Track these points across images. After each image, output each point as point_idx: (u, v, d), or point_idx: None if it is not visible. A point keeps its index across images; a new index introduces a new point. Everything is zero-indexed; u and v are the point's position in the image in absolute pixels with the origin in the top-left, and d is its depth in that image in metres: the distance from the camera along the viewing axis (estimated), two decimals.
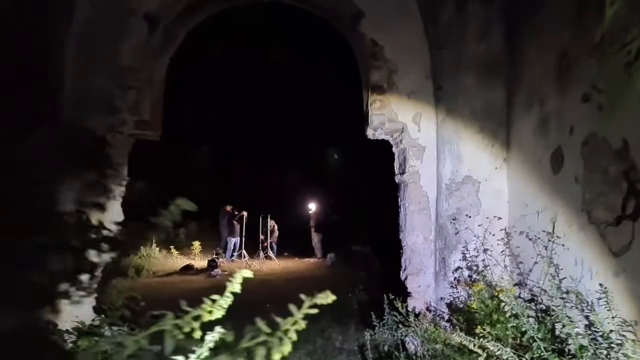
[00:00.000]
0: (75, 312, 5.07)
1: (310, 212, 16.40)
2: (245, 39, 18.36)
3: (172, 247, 15.54)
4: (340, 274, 12.71)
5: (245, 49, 19.64)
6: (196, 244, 15.75)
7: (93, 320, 5.02)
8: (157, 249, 15.21)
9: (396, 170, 5.58)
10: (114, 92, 5.24)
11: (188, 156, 23.04)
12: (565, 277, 3.35)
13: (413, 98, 5.21)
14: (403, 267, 5.33)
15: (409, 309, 5.00)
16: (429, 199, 5.16)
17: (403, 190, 5.36)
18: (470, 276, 4.48)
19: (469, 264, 4.59)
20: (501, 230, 4.68)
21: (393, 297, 4.96)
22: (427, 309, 4.95)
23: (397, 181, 5.56)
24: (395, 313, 4.86)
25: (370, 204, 16.44)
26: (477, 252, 4.58)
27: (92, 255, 2.65)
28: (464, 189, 4.85)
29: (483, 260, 4.46)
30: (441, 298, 4.83)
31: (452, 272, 4.75)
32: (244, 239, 14.86)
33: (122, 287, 4.79)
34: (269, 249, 15.31)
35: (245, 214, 14.75)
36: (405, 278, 5.22)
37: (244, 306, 6.83)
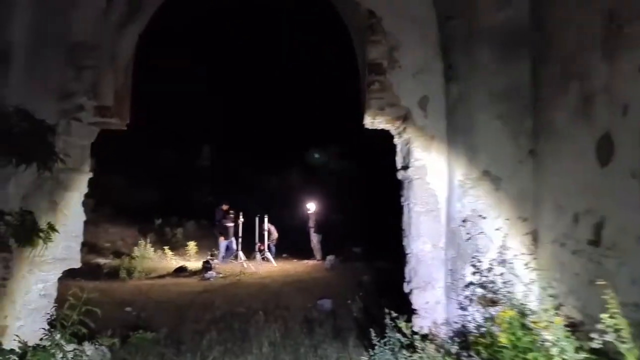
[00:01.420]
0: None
1: (309, 212, 15.45)
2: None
3: (166, 247, 14.65)
4: (339, 277, 11.77)
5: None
6: (191, 245, 14.85)
7: (41, 339, 4.15)
8: (152, 249, 14.33)
9: (398, 165, 4.65)
10: (67, 72, 4.34)
11: (187, 155, 22.29)
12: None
13: (419, 78, 4.29)
14: (407, 279, 4.40)
15: (415, 329, 4.08)
16: (438, 198, 4.22)
17: (407, 189, 4.43)
18: (485, 295, 3.54)
19: (484, 279, 3.65)
20: (525, 234, 3.76)
21: (396, 315, 4.04)
22: (436, 330, 4.01)
23: (399, 178, 4.62)
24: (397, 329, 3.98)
25: (372, 204, 15.53)
26: (496, 264, 3.66)
27: None
28: (481, 187, 3.92)
29: (502, 274, 3.52)
30: (453, 319, 3.89)
31: (466, 287, 3.82)
32: (240, 239, 13.93)
33: (86, 291, 3.84)
34: (267, 250, 14.39)
35: (239, 216, 13.85)
36: (410, 292, 4.28)
37: (235, 315, 5.89)
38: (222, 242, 13.62)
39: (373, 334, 4.56)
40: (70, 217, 4.61)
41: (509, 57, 3.90)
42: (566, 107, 3.44)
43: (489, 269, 3.67)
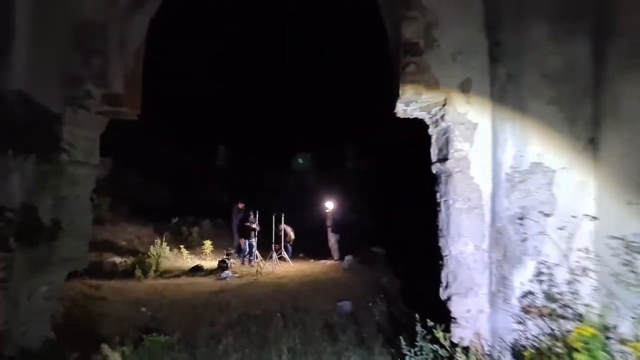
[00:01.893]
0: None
1: (326, 211, 14.95)
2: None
3: (182, 246, 14.30)
4: (358, 278, 11.27)
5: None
6: (207, 244, 14.47)
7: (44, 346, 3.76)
8: (168, 248, 14.01)
9: (434, 158, 4.15)
10: (73, 56, 3.94)
11: (203, 155, 22.02)
12: None
13: (460, 59, 3.77)
14: (444, 284, 3.90)
15: (454, 339, 3.59)
16: (482, 194, 3.70)
17: (445, 183, 3.92)
18: (543, 306, 3.03)
19: (542, 285, 3.14)
20: (585, 234, 3.24)
21: (432, 324, 3.56)
22: (479, 342, 3.52)
23: (434, 171, 4.13)
24: (431, 339, 3.51)
25: (391, 202, 15.01)
26: (553, 268, 3.15)
27: None
28: (532, 181, 3.40)
29: (569, 283, 3.01)
30: (500, 330, 3.39)
31: (517, 294, 3.31)
32: (256, 238, 13.50)
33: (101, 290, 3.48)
34: (284, 250, 13.94)
35: (257, 227, 13.40)
36: (448, 298, 3.78)
37: (252, 317, 5.46)
38: (243, 243, 13.20)
39: (403, 343, 4.13)
40: (77, 214, 4.22)
41: (566, 33, 3.37)
42: (636, 88, 2.92)
43: (543, 274, 3.17)
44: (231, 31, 19.24)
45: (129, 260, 12.64)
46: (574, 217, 3.12)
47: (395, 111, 4.14)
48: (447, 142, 3.86)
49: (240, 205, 13.34)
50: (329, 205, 14.89)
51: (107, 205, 17.24)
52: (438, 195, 4.08)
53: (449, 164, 3.81)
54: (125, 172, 19.68)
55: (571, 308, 2.76)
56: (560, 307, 2.82)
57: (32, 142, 3.66)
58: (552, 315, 2.78)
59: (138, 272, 11.30)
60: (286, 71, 20.45)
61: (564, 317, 2.75)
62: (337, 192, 16.00)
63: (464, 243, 3.71)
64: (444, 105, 3.82)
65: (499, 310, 3.45)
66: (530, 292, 3.15)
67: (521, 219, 3.38)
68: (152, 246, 13.80)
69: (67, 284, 4.15)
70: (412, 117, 4.16)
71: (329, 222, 14.61)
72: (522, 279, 3.28)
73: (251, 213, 13.45)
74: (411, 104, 3.91)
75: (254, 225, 13.26)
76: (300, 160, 21.99)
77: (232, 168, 22.11)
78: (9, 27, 3.71)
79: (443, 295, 3.89)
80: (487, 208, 3.68)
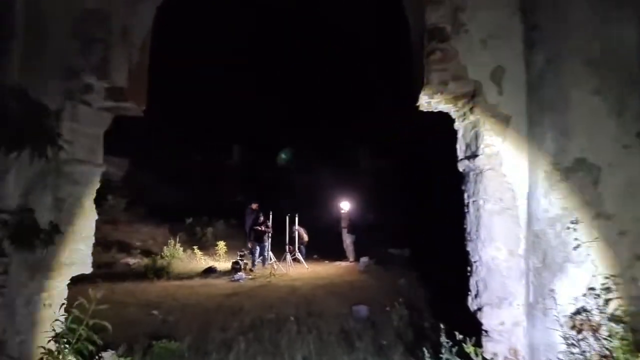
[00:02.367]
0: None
1: (342, 211, 14.57)
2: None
3: (196, 247, 14.08)
4: (375, 281, 10.93)
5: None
6: (221, 244, 14.23)
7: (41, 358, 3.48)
8: (181, 249, 13.81)
9: (460, 154, 3.78)
10: (72, 45, 3.66)
11: (217, 155, 21.87)
12: None
13: (491, 45, 3.39)
14: (473, 292, 3.52)
15: (486, 355, 3.22)
16: (517, 194, 3.32)
17: (473, 182, 3.54)
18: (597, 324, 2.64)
19: (597, 300, 2.75)
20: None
21: (461, 337, 3.20)
22: (515, 359, 3.14)
23: (461, 169, 3.75)
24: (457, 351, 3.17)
25: (408, 202, 14.59)
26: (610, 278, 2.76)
27: None
28: (575, 179, 3.02)
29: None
30: (540, 346, 3.01)
31: (559, 306, 2.93)
32: (270, 240, 13.18)
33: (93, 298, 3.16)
34: (298, 252, 13.63)
35: (270, 231, 13.05)
36: (479, 309, 3.41)
37: (265, 322, 5.14)
38: (253, 246, 12.90)
39: (427, 355, 3.81)
40: (78, 215, 3.94)
41: (613, 14, 2.99)
42: None
43: (595, 285, 2.78)
44: (245, 29, 19.06)
45: (143, 261, 12.48)
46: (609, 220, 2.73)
47: (418, 104, 3.76)
48: (476, 136, 3.48)
49: (254, 206, 13.04)
50: (345, 205, 14.52)
51: (122, 206, 17.17)
52: (466, 195, 3.70)
53: (478, 160, 3.43)
54: (141, 172, 19.65)
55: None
56: (616, 322, 2.44)
57: (28, 139, 3.38)
58: (612, 334, 2.40)
59: (151, 274, 11.14)
60: (301, 69, 20.20)
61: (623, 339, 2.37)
62: (352, 191, 15.64)
63: (496, 248, 3.33)
64: (472, 96, 3.44)
65: (538, 323, 3.07)
66: (581, 306, 2.76)
67: (561, 222, 3.00)
68: (165, 247, 13.66)
69: (78, 289, 3.84)
70: (436, 110, 3.79)
71: (344, 223, 14.25)
72: (565, 288, 2.90)
73: (261, 215, 13.07)
74: (436, 95, 3.53)
75: (262, 228, 12.91)
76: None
77: (246, 167, 21.93)
78: (5, 17, 3.44)
79: (472, 305, 3.52)
80: (522, 209, 3.29)
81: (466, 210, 3.69)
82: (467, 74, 3.41)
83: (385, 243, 13.31)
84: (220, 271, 12.13)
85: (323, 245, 14.79)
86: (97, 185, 4.23)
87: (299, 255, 13.48)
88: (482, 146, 3.41)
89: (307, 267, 13.07)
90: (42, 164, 3.48)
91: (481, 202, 3.41)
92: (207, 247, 14.90)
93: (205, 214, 17.33)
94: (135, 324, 6.66)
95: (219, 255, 14.05)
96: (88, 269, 4.14)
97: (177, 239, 14.31)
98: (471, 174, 3.58)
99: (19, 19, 3.49)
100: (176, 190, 19.38)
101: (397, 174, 16.43)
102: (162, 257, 12.73)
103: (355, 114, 19.00)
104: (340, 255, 14.07)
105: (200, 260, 13.48)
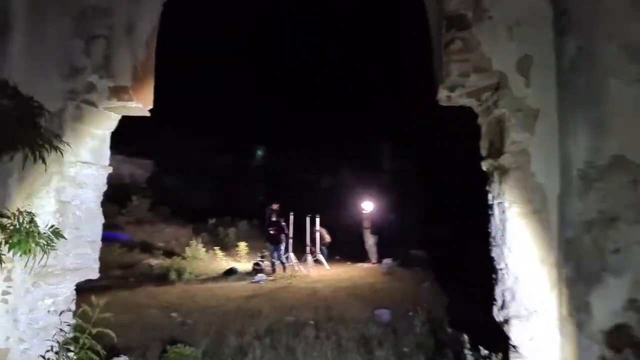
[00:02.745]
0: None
1: (364, 212, 14.27)
2: None
3: (217, 247, 14.02)
4: (397, 283, 10.65)
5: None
6: (242, 245, 14.12)
7: None
8: (203, 249, 13.78)
9: (484, 152, 3.47)
10: (74, 42, 3.52)
11: (240, 156, 21.90)
12: None
13: (517, 32, 3.07)
14: (499, 303, 3.22)
15: None
16: (547, 195, 3.01)
17: (498, 182, 3.24)
18: None
19: (632, 312, 2.43)
20: None
21: (486, 353, 2.91)
22: None
23: (485, 169, 3.45)
24: None
25: (432, 203, 14.23)
26: None
27: None
28: (613, 179, 2.69)
29: None
30: None
31: (596, 320, 2.61)
32: (291, 240, 12.95)
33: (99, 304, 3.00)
34: (319, 253, 13.39)
35: (286, 232, 12.73)
36: (505, 321, 3.10)
37: (283, 326, 4.92)
38: (272, 247, 12.69)
39: None
40: (82, 219, 3.81)
41: None
42: None
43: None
44: (263, 28, 18.98)
45: (165, 262, 12.50)
46: None
47: (437, 98, 3.47)
48: (501, 133, 3.16)
49: (274, 206, 12.84)
50: (367, 206, 14.22)
51: (147, 207, 17.33)
52: (490, 196, 3.39)
53: (503, 159, 3.12)
54: (166, 174, 19.83)
55: None
56: None
57: (29, 141, 3.26)
58: None
59: (172, 275, 11.13)
60: (323, 68, 20.00)
61: None
62: (374, 191, 15.35)
63: (524, 255, 3.02)
64: (497, 89, 3.13)
65: (572, 339, 2.75)
66: (620, 321, 2.44)
67: (598, 226, 2.68)
68: (187, 247, 13.65)
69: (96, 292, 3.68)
70: (457, 104, 3.49)
71: (366, 224, 13.95)
72: (602, 301, 2.57)
73: (274, 216, 12.73)
74: (457, 89, 3.23)
75: (272, 232, 12.58)
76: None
77: (269, 168, 21.91)
78: (3, 14, 3.33)
79: (498, 316, 3.22)
80: (553, 212, 2.97)
81: (490, 212, 3.38)
82: (490, 64, 3.09)
83: (408, 244, 12.99)
84: (241, 272, 12.03)
85: (345, 246, 14.55)
86: (104, 188, 4.10)
87: (320, 257, 13.25)
88: (507, 143, 3.09)
89: (328, 268, 12.84)
90: (44, 167, 3.34)
91: (507, 204, 3.10)
92: (229, 248, 14.85)
93: (228, 215, 17.33)
94: (154, 327, 6.61)
95: (240, 255, 13.96)
96: (95, 275, 4.01)
97: (200, 240, 14.31)
98: (495, 173, 3.27)
99: (18, 16, 3.38)
100: (200, 190, 19.49)
101: (420, 173, 16.05)
102: (183, 258, 12.73)
103: (378, 114, 18.70)
104: (363, 257, 13.79)
105: (221, 261, 13.42)
